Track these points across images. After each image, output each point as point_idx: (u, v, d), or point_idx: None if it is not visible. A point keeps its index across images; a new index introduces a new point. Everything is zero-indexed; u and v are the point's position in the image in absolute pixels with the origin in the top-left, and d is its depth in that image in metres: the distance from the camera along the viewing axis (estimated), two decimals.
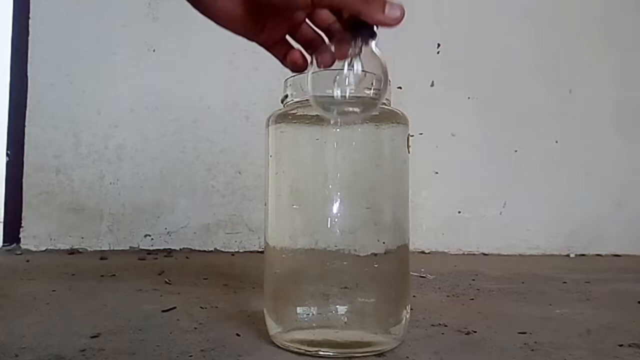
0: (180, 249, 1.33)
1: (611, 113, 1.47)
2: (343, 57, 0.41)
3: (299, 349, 0.46)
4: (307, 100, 0.44)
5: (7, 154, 1.33)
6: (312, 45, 0.46)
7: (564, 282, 0.92)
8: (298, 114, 0.48)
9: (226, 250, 1.35)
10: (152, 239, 1.33)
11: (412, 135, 0.51)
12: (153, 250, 1.30)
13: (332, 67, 0.42)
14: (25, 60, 1.33)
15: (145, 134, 1.35)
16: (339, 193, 0.47)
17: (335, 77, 0.41)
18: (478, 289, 0.83)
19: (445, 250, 1.39)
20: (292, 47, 0.46)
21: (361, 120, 0.46)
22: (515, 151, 1.44)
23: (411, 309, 0.50)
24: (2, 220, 1.36)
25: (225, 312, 0.63)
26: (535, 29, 1.46)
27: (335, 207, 0.46)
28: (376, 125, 0.48)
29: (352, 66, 0.40)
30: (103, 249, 1.31)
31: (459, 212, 1.41)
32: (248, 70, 1.33)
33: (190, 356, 0.46)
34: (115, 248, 1.32)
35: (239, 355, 0.46)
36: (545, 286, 0.88)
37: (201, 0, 0.40)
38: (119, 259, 1.14)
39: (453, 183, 1.41)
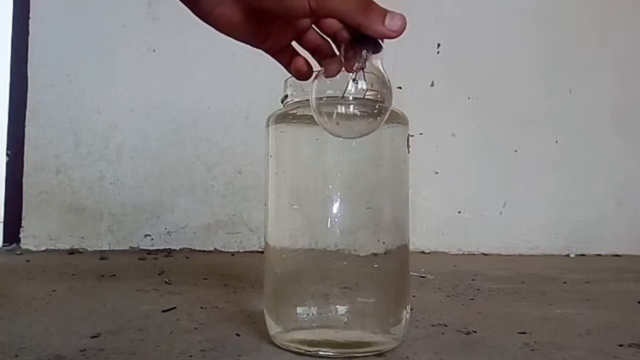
0: (180, 249, 1.33)
1: (611, 113, 1.47)
2: (350, 69, 0.40)
3: (299, 349, 0.46)
4: (307, 100, 0.44)
5: (7, 154, 1.33)
6: (319, 51, 0.44)
7: (564, 282, 0.92)
8: (298, 114, 0.48)
9: (226, 250, 1.35)
10: (152, 239, 1.33)
11: (412, 135, 0.51)
12: (153, 250, 1.30)
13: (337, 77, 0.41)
14: (25, 60, 1.33)
15: (145, 134, 1.35)
16: (338, 193, 0.47)
17: (338, 92, 0.41)
18: (478, 289, 0.83)
19: (445, 250, 1.39)
20: (297, 53, 0.45)
21: (362, 136, 0.45)
22: (515, 151, 1.44)
23: (411, 309, 0.50)
24: (2, 220, 1.36)
25: (225, 312, 0.63)
26: (535, 29, 1.46)
27: (335, 207, 0.46)
28: None
29: (356, 81, 0.39)
30: (103, 249, 1.31)
31: (459, 212, 1.41)
32: (248, 70, 1.32)
33: (190, 356, 0.46)
34: (115, 248, 1.32)
35: (239, 355, 0.46)
36: (545, 286, 0.88)
37: (200, 6, 0.39)
38: (119, 259, 1.14)
39: (453, 183, 1.41)
